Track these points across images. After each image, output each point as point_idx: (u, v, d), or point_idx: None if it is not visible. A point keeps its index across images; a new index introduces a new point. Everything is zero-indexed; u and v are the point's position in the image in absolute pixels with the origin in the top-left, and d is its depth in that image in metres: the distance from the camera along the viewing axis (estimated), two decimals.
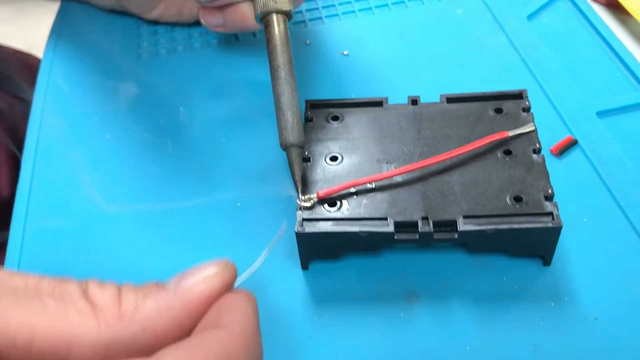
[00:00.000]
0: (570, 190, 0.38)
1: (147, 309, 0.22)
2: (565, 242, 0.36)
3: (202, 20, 0.46)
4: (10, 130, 0.63)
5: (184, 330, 0.22)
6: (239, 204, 0.40)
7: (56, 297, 0.21)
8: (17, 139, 0.61)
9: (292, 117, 0.36)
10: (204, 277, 0.23)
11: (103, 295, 0.22)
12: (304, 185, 0.36)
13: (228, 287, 0.24)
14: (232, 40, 0.52)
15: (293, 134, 0.36)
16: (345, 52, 0.49)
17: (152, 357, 0.20)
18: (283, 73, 0.37)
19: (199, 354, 0.20)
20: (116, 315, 0.21)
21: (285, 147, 0.36)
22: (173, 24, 0.54)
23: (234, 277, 0.24)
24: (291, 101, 0.37)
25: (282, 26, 0.38)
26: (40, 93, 0.50)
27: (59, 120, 0.47)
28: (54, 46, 0.54)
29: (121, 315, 0.21)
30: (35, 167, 0.44)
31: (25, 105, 0.63)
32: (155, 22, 0.54)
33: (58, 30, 0.56)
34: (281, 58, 0.37)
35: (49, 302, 0.21)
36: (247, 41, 0.52)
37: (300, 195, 0.35)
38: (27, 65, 0.70)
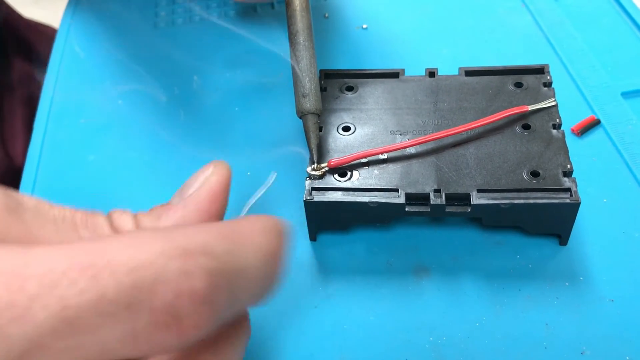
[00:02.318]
0: (591, 170, 0.37)
1: (167, 224, 0.22)
2: (584, 222, 0.34)
3: None
4: (26, 100, 0.64)
5: None
6: (249, 173, 0.39)
7: (89, 228, 0.21)
8: (34, 109, 0.61)
9: (309, 83, 0.35)
10: (202, 179, 0.24)
11: (126, 222, 0.22)
12: (320, 153, 0.35)
13: (227, 180, 0.24)
14: (250, 12, 0.51)
15: (310, 102, 0.35)
16: (364, 26, 0.48)
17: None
18: (302, 38, 0.36)
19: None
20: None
21: (301, 114, 0.35)
22: None
23: (229, 171, 0.24)
24: (309, 67, 0.35)
25: None
26: (56, 58, 0.49)
27: (73, 86, 0.47)
28: (72, 12, 0.54)
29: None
30: (47, 130, 0.44)
31: (43, 76, 0.63)
32: None
33: None
34: (300, 23, 0.36)
35: (84, 233, 0.21)
36: (266, 13, 0.51)
37: (315, 163, 0.34)
38: (48, 36, 0.70)
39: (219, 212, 0.24)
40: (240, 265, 0.20)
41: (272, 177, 0.30)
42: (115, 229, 0.22)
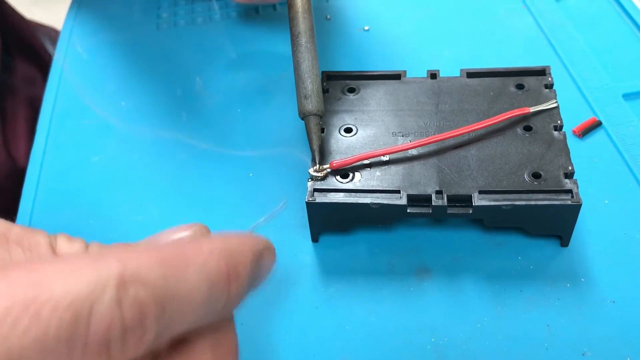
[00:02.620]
0: (592, 171, 0.37)
1: None
2: (585, 224, 0.34)
3: None
4: (29, 101, 0.64)
5: None
6: (251, 174, 0.39)
7: (23, 246, 0.21)
8: (37, 110, 0.61)
9: (311, 85, 0.35)
10: (175, 237, 0.22)
11: (70, 249, 0.21)
12: (321, 154, 0.35)
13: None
14: (252, 13, 0.52)
15: (312, 103, 0.35)
16: (366, 28, 0.48)
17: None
18: (304, 40, 0.36)
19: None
20: None
21: (303, 115, 0.35)
22: None
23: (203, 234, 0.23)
24: (311, 69, 0.36)
25: None
26: (59, 59, 0.50)
27: (76, 87, 0.47)
28: (74, 14, 0.54)
29: None
30: (50, 132, 0.44)
31: (47, 77, 0.63)
32: None
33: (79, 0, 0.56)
34: (302, 25, 0.37)
35: (16, 251, 0.20)
36: (267, 15, 0.51)
37: (317, 164, 0.34)
38: (51, 38, 0.70)
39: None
40: (180, 291, 0.19)
41: (282, 205, 0.30)
42: (55, 252, 0.21)
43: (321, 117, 0.36)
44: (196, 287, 0.20)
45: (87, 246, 0.22)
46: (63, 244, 0.21)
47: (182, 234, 0.22)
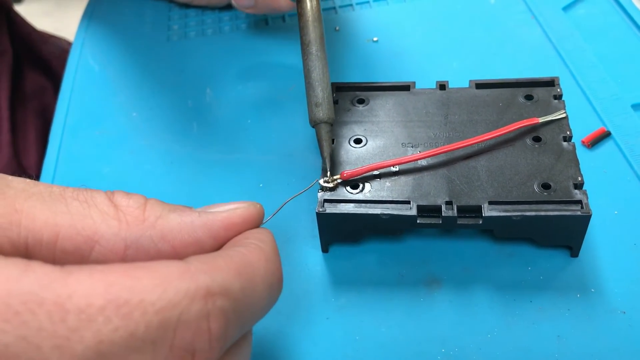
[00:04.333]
0: (602, 182, 0.37)
1: (170, 220, 0.23)
2: (595, 234, 0.35)
3: (234, 1, 0.45)
4: (40, 111, 0.64)
5: (203, 249, 0.23)
6: (261, 184, 0.40)
7: (80, 200, 0.22)
8: (48, 121, 0.62)
9: (322, 93, 0.35)
10: (229, 208, 0.24)
11: (129, 200, 0.23)
12: (332, 163, 0.35)
13: (251, 222, 0.25)
14: (262, 25, 0.52)
15: (323, 111, 0.35)
16: (375, 39, 0.49)
17: (184, 260, 0.21)
18: (314, 49, 0.36)
19: (222, 261, 0.21)
20: (139, 218, 0.22)
21: (314, 123, 0.35)
22: (204, 8, 0.54)
23: (260, 216, 0.25)
24: (322, 77, 0.36)
25: (314, 2, 0.38)
26: (71, 71, 0.50)
27: (88, 98, 0.48)
28: (86, 26, 0.54)
29: (144, 219, 0.22)
30: (62, 143, 0.45)
31: (57, 88, 0.64)
32: (186, 6, 0.55)
33: (91, 11, 0.56)
34: (313, 34, 0.37)
35: (74, 204, 0.22)
36: (277, 26, 0.52)
37: (328, 171, 0.34)
38: (61, 49, 0.71)
39: (226, 240, 0.24)
40: (252, 299, 0.22)
41: (313, 184, 0.32)
42: (113, 203, 0.22)
43: (332, 124, 0.36)
44: (261, 296, 0.22)
45: (146, 200, 0.23)
46: (121, 196, 0.23)
47: (235, 205, 0.25)
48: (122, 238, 0.22)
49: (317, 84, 0.36)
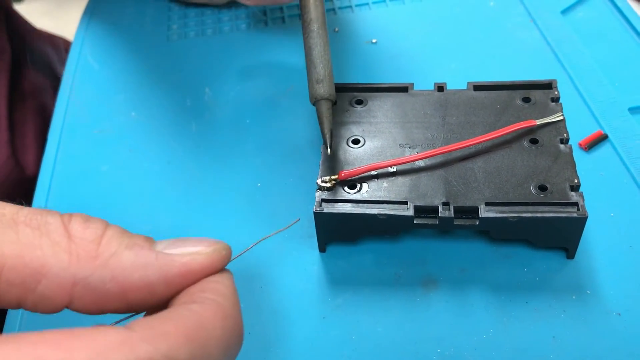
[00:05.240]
0: (598, 184, 0.37)
1: (123, 260, 0.21)
2: (591, 236, 0.35)
3: None
4: (40, 110, 0.64)
5: (154, 294, 0.22)
6: (259, 184, 0.40)
7: (32, 226, 0.21)
8: (46, 120, 0.62)
9: (323, 70, 0.35)
10: (191, 251, 0.22)
11: (85, 230, 0.21)
12: (330, 166, 0.35)
13: (212, 270, 0.22)
14: (261, 25, 0.52)
15: (324, 87, 0.35)
16: (374, 41, 0.49)
17: (126, 327, 0.19)
18: (315, 26, 0.36)
19: (171, 324, 0.19)
20: (91, 254, 0.21)
21: (315, 100, 0.35)
22: (203, 6, 0.54)
23: (224, 262, 0.23)
24: (323, 54, 0.36)
25: None
26: (70, 70, 0.50)
27: (87, 97, 0.48)
28: (86, 25, 0.55)
29: (97, 255, 0.21)
30: (61, 141, 0.45)
31: (56, 86, 0.64)
32: (186, 4, 0.55)
33: (91, 10, 0.56)
34: (314, 12, 0.37)
35: (24, 231, 0.20)
36: (276, 26, 0.52)
37: (329, 149, 0.34)
38: (60, 48, 0.71)
39: (181, 288, 0.22)
40: None
41: (294, 222, 0.29)
42: (67, 231, 0.21)
43: (332, 101, 0.35)
44: (217, 356, 0.20)
45: (104, 230, 0.21)
46: (77, 223, 0.21)
47: (198, 248, 0.22)
48: (71, 274, 0.20)
49: (318, 61, 0.35)
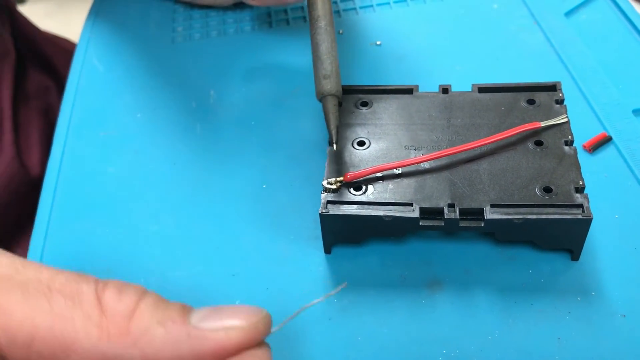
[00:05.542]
0: (603, 186, 0.37)
1: (154, 337, 0.20)
2: (596, 238, 0.35)
3: None
4: (44, 111, 0.65)
5: None
6: (264, 185, 0.40)
7: (66, 296, 0.20)
8: (51, 121, 0.62)
9: (330, 66, 0.35)
10: (226, 325, 0.21)
11: (117, 304, 0.21)
12: (335, 168, 0.35)
13: (249, 345, 0.21)
14: (265, 27, 0.52)
15: (331, 83, 0.35)
16: (378, 43, 0.49)
17: None
18: (323, 23, 0.36)
19: None
20: (123, 332, 0.20)
21: (322, 96, 0.35)
22: (208, 8, 0.54)
23: (261, 337, 0.22)
24: (330, 51, 0.36)
25: None
26: (75, 71, 0.50)
27: (92, 98, 0.48)
28: (91, 27, 0.55)
29: (128, 332, 0.20)
30: (67, 143, 0.45)
31: (60, 88, 0.64)
32: (190, 7, 0.55)
33: (96, 12, 0.57)
34: (321, 9, 0.37)
35: (57, 301, 0.20)
36: (281, 28, 0.52)
37: (334, 144, 0.34)
38: (64, 49, 0.71)
39: None
40: None
41: (342, 286, 0.28)
42: (100, 305, 0.20)
43: (339, 98, 0.35)
44: None
45: (137, 303, 0.21)
46: (110, 296, 0.21)
47: (235, 322, 0.21)
48: (101, 351, 0.20)
49: (325, 57, 0.35)
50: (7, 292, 0.20)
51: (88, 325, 0.20)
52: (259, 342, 0.22)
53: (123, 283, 0.21)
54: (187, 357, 0.21)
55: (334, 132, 0.34)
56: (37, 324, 0.20)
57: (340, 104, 0.39)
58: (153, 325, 0.20)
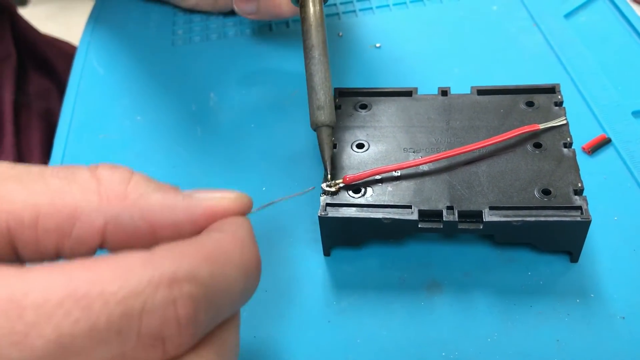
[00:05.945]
0: (602, 188, 0.37)
1: (151, 200, 0.22)
2: (595, 240, 0.35)
3: (236, 7, 0.46)
4: (44, 114, 0.65)
5: (181, 233, 0.22)
6: (264, 188, 0.40)
7: (60, 177, 0.22)
8: (51, 123, 0.62)
9: (324, 96, 0.36)
10: (215, 196, 0.23)
11: (112, 175, 0.22)
12: (333, 166, 0.35)
13: (235, 213, 0.23)
14: (266, 30, 0.52)
15: (325, 114, 0.36)
16: (378, 45, 0.49)
17: (150, 249, 0.20)
18: (317, 53, 0.37)
19: (191, 247, 0.21)
20: (120, 195, 0.22)
21: (316, 126, 0.36)
22: (208, 13, 0.55)
23: (245, 210, 0.24)
24: (324, 81, 0.36)
25: (317, 7, 0.38)
26: (76, 74, 0.51)
27: (92, 101, 0.48)
28: (91, 30, 0.55)
29: (126, 196, 0.22)
30: (67, 146, 0.45)
31: (61, 91, 0.65)
32: (190, 11, 0.55)
33: (96, 15, 0.57)
34: (315, 39, 0.37)
35: (52, 182, 0.21)
36: (281, 31, 0.52)
37: (328, 175, 0.35)
38: (65, 52, 0.71)
39: (205, 227, 0.23)
40: (223, 285, 0.21)
41: (309, 190, 0.32)
42: (95, 176, 0.22)
43: (333, 128, 0.36)
44: (236, 281, 0.21)
45: (131, 175, 0.22)
46: (104, 169, 0.22)
47: (223, 194, 0.23)
48: (103, 213, 0.21)
49: (319, 87, 0.36)
50: (4, 183, 0.21)
51: (87, 193, 0.21)
52: (243, 214, 0.24)
53: (113, 163, 0.23)
54: (182, 220, 0.22)
55: (328, 162, 0.35)
56: (38, 202, 0.21)
57: (339, 107, 0.39)
58: (149, 190, 0.22)
